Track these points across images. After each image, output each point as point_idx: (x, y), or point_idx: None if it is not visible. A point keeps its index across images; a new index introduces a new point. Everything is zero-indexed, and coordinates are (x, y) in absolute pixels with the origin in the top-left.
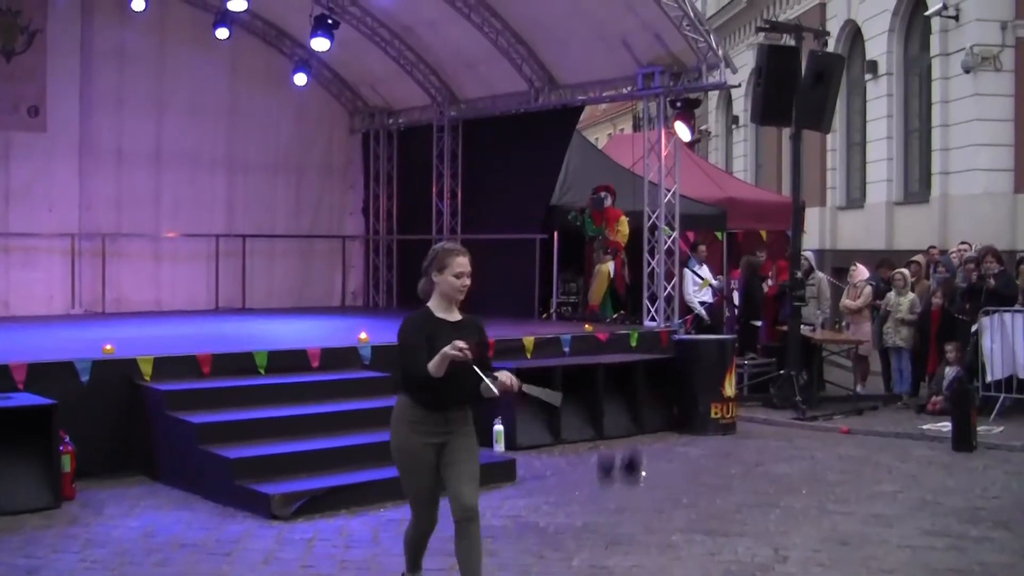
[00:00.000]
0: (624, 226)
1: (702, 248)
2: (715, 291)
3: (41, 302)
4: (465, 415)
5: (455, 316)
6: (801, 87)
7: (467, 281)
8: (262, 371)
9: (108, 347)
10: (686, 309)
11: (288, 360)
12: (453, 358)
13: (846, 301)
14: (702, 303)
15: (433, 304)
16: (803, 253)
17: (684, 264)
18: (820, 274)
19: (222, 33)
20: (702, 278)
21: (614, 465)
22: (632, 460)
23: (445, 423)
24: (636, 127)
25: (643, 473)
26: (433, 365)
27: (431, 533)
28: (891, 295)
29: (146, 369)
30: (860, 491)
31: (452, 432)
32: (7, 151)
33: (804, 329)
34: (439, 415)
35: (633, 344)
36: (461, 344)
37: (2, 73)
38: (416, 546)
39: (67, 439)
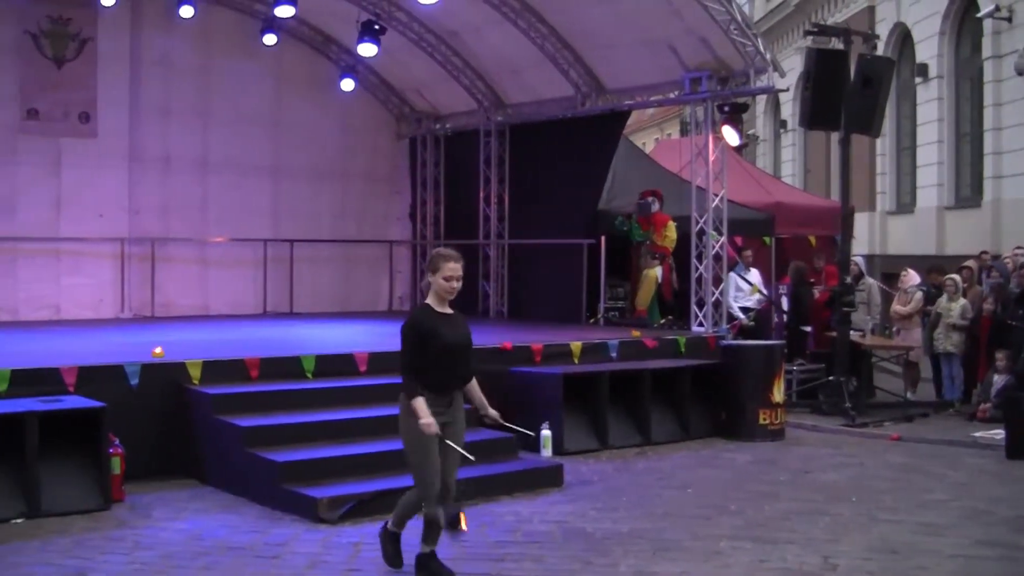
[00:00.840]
0: (671, 231)
1: (747, 253)
2: (763, 297)
3: (91, 306)
4: (459, 396)
5: (447, 311)
6: (850, 91)
7: (456, 284)
8: (309, 375)
9: (157, 350)
10: (733, 316)
11: (335, 364)
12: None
13: (896, 307)
14: (745, 308)
15: (431, 300)
16: (853, 259)
17: (731, 269)
18: (871, 280)
19: (269, 39)
20: (750, 284)
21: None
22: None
23: (448, 404)
24: (683, 132)
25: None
26: (425, 421)
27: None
28: (942, 300)
29: (194, 373)
30: (910, 499)
31: (452, 413)
32: (58, 157)
33: (853, 335)
34: (445, 397)
35: (681, 349)
36: (429, 424)
37: (53, 80)
38: (412, 509)
39: (116, 442)
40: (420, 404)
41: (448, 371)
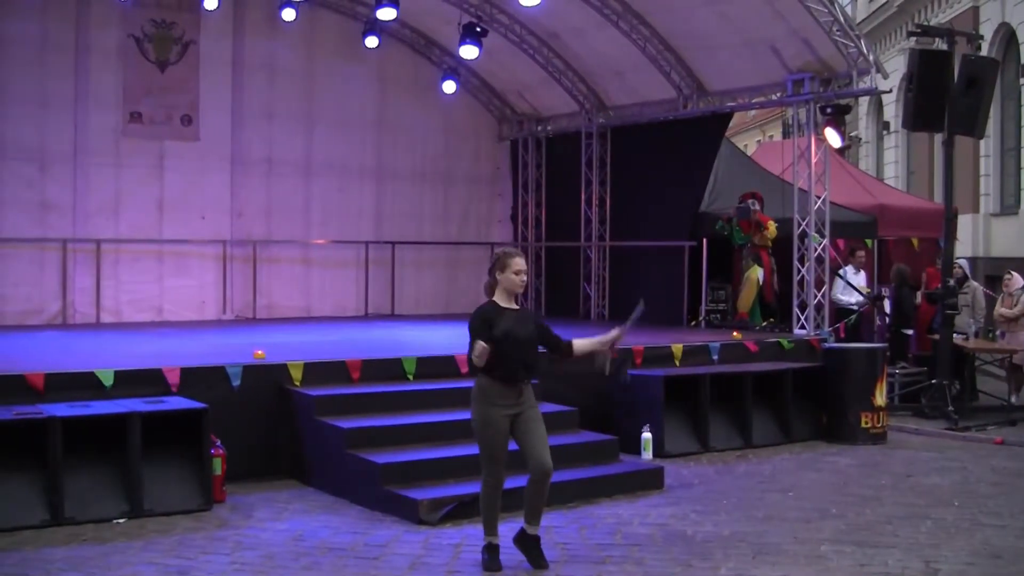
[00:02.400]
0: (771, 228)
1: (860, 254)
2: (864, 302)
3: (193, 308)
4: (530, 389)
5: (514, 306)
6: (954, 92)
7: (524, 278)
8: (410, 377)
9: (259, 352)
10: (835, 316)
11: (436, 366)
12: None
13: (1001, 309)
14: (846, 310)
15: (497, 297)
16: (957, 261)
17: (835, 271)
18: (975, 283)
19: (371, 42)
20: (855, 287)
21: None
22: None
23: (518, 396)
24: (785, 134)
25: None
26: (475, 355)
27: (501, 488)
28: None
29: (296, 374)
30: (1014, 504)
31: (523, 404)
32: (162, 160)
33: (956, 338)
34: (514, 388)
35: (783, 351)
36: (482, 347)
37: (157, 83)
38: (492, 507)
39: (218, 443)
40: (478, 345)
41: (516, 362)
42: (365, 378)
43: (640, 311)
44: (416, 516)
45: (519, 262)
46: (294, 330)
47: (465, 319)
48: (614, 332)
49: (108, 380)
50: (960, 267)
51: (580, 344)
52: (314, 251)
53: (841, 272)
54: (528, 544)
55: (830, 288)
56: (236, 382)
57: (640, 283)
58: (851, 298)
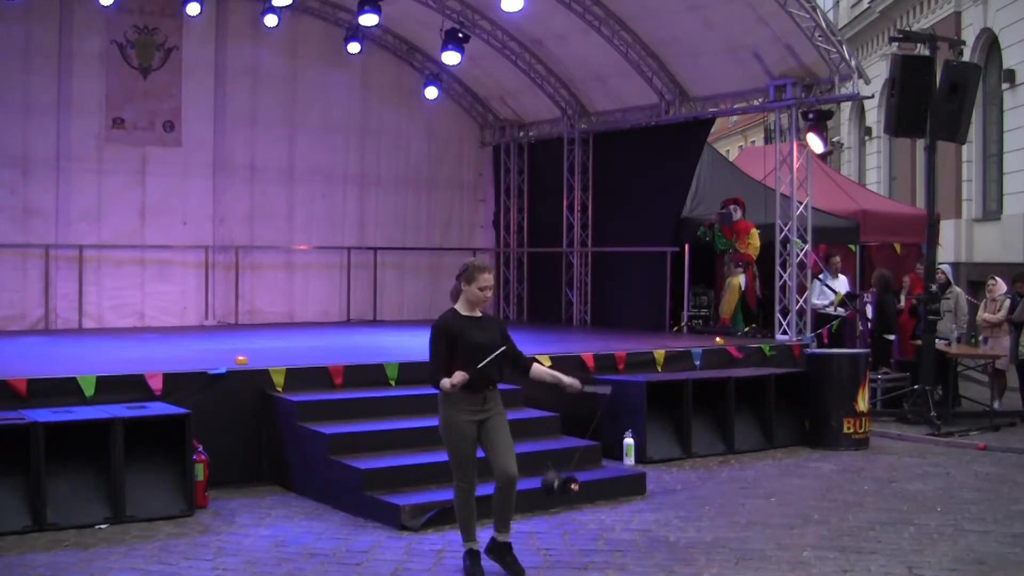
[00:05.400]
0: (755, 239)
1: (835, 259)
2: (846, 307)
3: (175, 314)
4: (496, 395)
5: (476, 314)
6: (936, 98)
7: (488, 294)
8: (393, 383)
9: (241, 358)
10: (817, 321)
11: (419, 372)
12: (459, 383)
13: (985, 315)
14: (825, 316)
15: (459, 306)
16: (940, 267)
17: (815, 276)
18: (958, 289)
19: (354, 48)
20: (834, 291)
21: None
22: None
23: (483, 402)
24: (768, 139)
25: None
26: (448, 383)
27: (473, 493)
28: None
29: (278, 380)
30: (997, 510)
31: (489, 410)
32: (143, 166)
33: (939, 343)
34: (478, 396)
35: (766, 357)
36: (457, 380)
37: (139, 89)
38: (468, 512)
39: (200, 448)
40: (445, 380)
41: (477, 378)
42: (347, 384)
43: (604, 393)
44: (398, 522)
45: (487, 278)
46: (276, 336)
47: None
48: (572, 381)
49: (89, 389)
50: (943, 273)
51: (538, 370)
52: (297, 257)
53: (821, 276)
54: (501, 552)
55: (811, 293)
56: (217, 385)
57: (622, 289)
58: (826, 301)
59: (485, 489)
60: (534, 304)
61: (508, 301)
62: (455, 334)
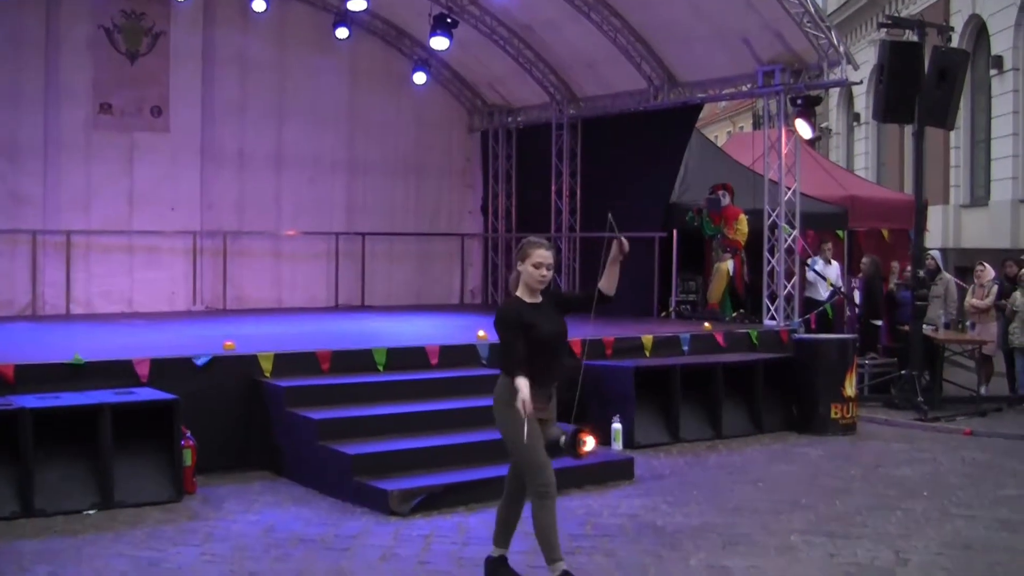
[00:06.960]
0: (743, 224)
1: (827, 246)
2: (835, 292)
3: (164, 299)
4: (555, 394)
5: (537, 300)
6: (924, 84)
7: (546, 272)
8: (381, 368)
9: (229, 343)
10: (806, 307)
11: (407, 358)
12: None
13: (973, 300)
14: (813, 301)
15: (521, 292)
16: (930, 252)
17: (804, 262)
18: (947, 275)
19: (342, 33)
20: (824, 278)
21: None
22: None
23: (548, 399)
24: (756, 125)
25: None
26: (523, 399)
27: (555, 498)
28: (1017, 295)
29: (266, 366)
30: (984, 495)
31: (549, 413)
32: (131, 152)
33: (926, 329)
34: (545, 391)
35: (754, 343)
36: (525, 410)
37: (127, 75)
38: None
39: (188, 434)
40: (524, 382)
41: (547, 364)
42: (335, 369)
43: (611, 222)
44: (387, 507)
45: (541, 253)
46: (264, 321)
47: (436, 310)
48: (615, 248)
49: (80, 360)
50: (933, 259)
51: (605, 283)
52: (285, 243)
53: (810, 262)
54: (500, 564)
55: (800, 279)
56: (206, 373)
57: None
58: (827, 294)
59: (475, 474)
60: None
61: (497, 286)
62: (527, 323)
